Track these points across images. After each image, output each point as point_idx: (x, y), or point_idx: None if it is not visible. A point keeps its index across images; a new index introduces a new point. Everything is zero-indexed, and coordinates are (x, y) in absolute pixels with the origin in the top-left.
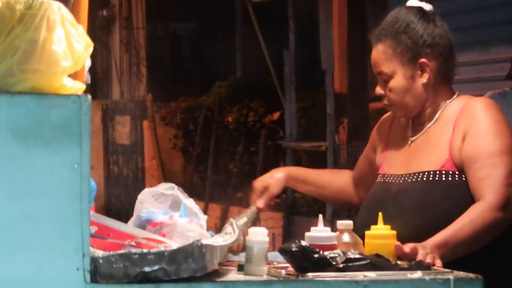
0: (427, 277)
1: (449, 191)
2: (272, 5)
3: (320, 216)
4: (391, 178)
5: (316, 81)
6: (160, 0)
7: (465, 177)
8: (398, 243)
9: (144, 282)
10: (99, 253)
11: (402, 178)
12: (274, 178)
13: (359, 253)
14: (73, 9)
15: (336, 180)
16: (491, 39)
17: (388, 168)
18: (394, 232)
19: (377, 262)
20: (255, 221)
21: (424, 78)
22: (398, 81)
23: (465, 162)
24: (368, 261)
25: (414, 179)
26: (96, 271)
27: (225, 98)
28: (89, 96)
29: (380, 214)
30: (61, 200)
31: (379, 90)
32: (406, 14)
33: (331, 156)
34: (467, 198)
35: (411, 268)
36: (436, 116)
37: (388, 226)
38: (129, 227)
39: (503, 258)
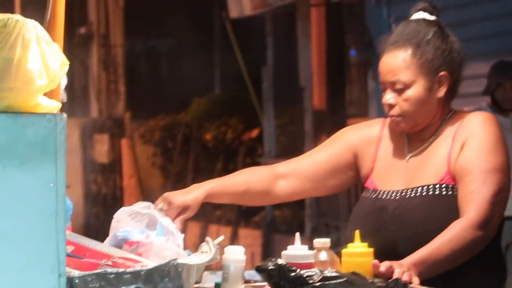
0: None
1: (450, 205)
2: (250, 22)
3: (297, 234)
4: (386, 194)
5: (295, 98)
6: (138, 17)
7: None
8: (375, 261)
9: None
10: (75, 272)
11: (400, 194)
12: (195, 200)
13: (336, 271)
14: (49, 27)
15: (252, 186)
16: (467, 55)
17: (381, 184)
18: (371, 249)
19: (353, 280)
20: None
21: (441, 92)
22: (416, 91)
23: (458, 172)
24: (345, 279)
25: (413, 194)
26: None
27: (204, 115)
28: (65, 115)
29: (357, 232)
30: (37, 219)
31: (388, 99)
32: (427, 26)
33: None
34: None
35: (387, 286)
36: (437, 132)
37: (365, 244)
38: (105, 247)
39: (482, 272)
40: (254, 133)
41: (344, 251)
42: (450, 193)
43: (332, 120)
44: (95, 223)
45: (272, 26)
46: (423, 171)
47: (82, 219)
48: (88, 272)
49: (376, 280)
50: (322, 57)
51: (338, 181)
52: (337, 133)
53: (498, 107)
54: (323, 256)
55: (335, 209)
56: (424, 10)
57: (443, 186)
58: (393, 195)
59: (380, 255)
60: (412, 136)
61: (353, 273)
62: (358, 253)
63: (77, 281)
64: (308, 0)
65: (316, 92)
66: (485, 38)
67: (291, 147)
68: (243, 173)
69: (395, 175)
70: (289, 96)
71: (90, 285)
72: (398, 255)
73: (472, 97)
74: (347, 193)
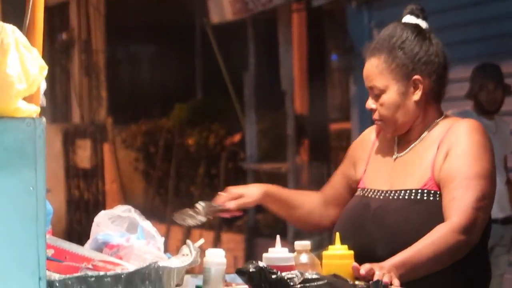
0: None
1: (430, 210)
2: (232, 27)
3: (278, 237)
4: (372, 193)
5: (277, 103)
6: (119, 23)
7: None
8: (355, 264)
9: None
10: (56, 276)
11: (383, 195)
12: (251, 190)
13: (317, 274)
14: (28, 32)
15: (308, 201)
16: (449, 59)
17: (369, 182)
18: (352, 252)
19: (334, 282)
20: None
21: (416, 95)
22: (390, 96)
23: (442, 180)
24: (326, 281)
25: (395, 197)
26: None
27: (186, 121)
28: (44, 119)
29: (337, 234)
30: (17, 223)
31: (370, 104)
32: (402, 30)
33: (292, 178)
34: None
35: None
36: (423, 135)
37: (346, 246)
38: (85, 250)
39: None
40: (236, 138)
41: (324, 253)
42: (431, 198)
43: (314, 124)
44: (77, 228)
45: (254, 31)
46: (407, 174)
47: (64, 224)
48: (68, 276)
49: (357, 282)
50: (303, 62)
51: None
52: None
53: (482, 110)
54: (304, 258)
55: None
56: (411, 13)
57: (425, 191)
58: (377, 194)
59: (358, 254)
60: (401, 138)
61: (334, 275)
62: (339, 255)
63: (57, 284)
64: (289, 6)
65: (298, 97)
66: (465, 43)
67: (273, 152)
68: (297, 191)
69: (382, 175)
70: (271, 101)
71: None
72: (375, 255)
73: (453, 101)
74: None
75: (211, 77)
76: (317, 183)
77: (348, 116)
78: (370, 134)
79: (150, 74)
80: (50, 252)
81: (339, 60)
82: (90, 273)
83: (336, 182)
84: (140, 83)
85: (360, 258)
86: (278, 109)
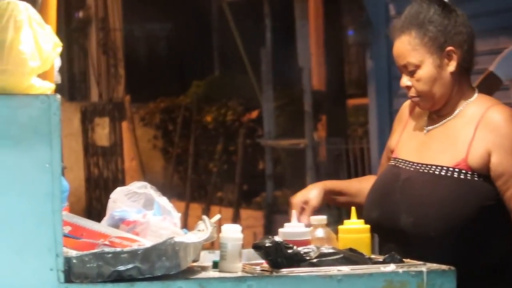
0: (400, 270)
1: (459, 186)
2: (248, 4)
3: (294, 212)
4: (402, 163)
5: (294, 79)
6: (136, 1)
7: (477, 177)
8: None
9: (118, 281)
10: (73, 253)
11: (413, 166)
12: (313, 194)
13: (333, 248)
14: (41, 9)
15: (365, 186)
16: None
17: (401, 153)
18: (368, 226)
19: (350, 256)
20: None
21: (452, 66)
22: (426, 70)
23: (501, 177)
24: (342, 255)
25: (426, 170)
26: (70, 271)
27: (203, 98)
28: (59, 96)
29: (353, 208)
30: (33, 200)
31: (405, 82)
32: (428, 6)
33: (310, 153)
34: (475, 195)
35: (384, 262)
36: (456, 111)
37: (362, 220)
38: (102, 227)
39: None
40: (254, 114)
41: (340, 227)
42: (462, 177)
43: (331, 100)
44: (97, 206)
45: (270, 7)
46: (439, 149)
47: (84, 202)
48: (85, 252)
49: (373, 256)
50: (320, 37)
51: None
52: None
53: None
54: (320, 233)
55: None
56: None
57: (456, 169)
58: (407, 164)
59: (381, 221)
60: (433, 111)
61: (350, 249)
62: (355, 229)
63: (74, 261)
64: None
65: (315, 73)
66: (481, 16)
67: (291, 128)
68: (354, 179)
69: (412, 146)
70: (288, 77)
71: (88, 265)
72: (397, 224)
73: (478, 74)
74: (348, 173)
75: (228, 54)
76: (335, 159)
77: (365, 91)
78: (407, 106)
79: (167, 51)
80: (67, 229)
81: (356, 35)
82: (107, 249)
83: (384, 158)
84: (157, 60)
85: (383, 226)
86: (295, 85)
